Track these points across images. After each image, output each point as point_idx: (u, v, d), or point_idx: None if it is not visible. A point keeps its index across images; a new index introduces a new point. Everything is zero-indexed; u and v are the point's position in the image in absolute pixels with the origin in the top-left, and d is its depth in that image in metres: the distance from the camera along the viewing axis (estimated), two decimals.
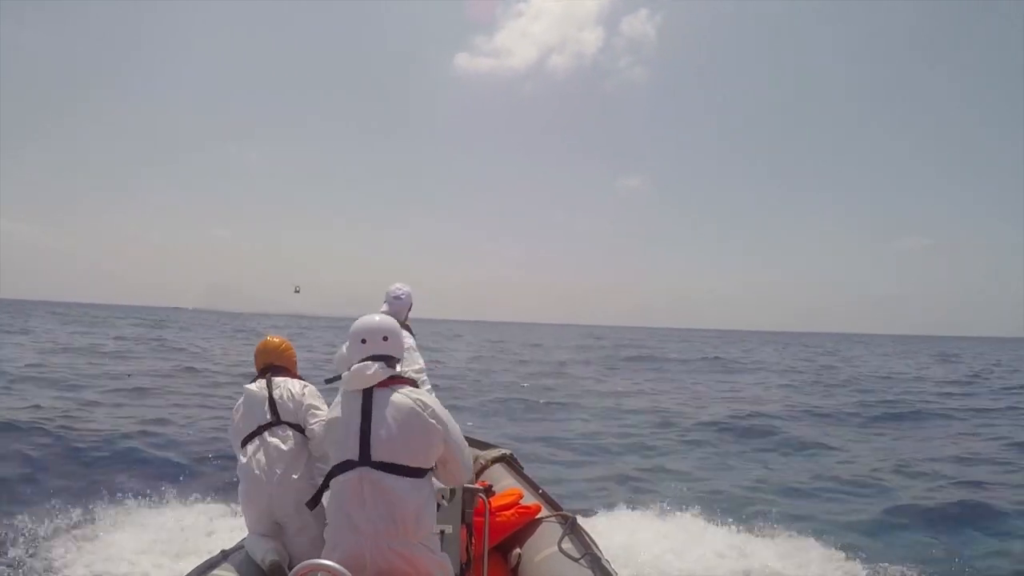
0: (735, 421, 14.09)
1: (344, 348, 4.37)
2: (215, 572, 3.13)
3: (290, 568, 2.87)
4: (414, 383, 2.78)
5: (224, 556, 3.34)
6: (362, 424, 2.58)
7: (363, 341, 2.78)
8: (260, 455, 3.27)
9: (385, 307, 4.36)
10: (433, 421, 2.63)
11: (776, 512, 7.15)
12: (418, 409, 2.62)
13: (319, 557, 2.41)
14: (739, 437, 12.54)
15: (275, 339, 3.70)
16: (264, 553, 3.11)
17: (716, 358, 38.58)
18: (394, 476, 2.52)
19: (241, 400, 3.48)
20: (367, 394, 2.64)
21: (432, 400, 2.74)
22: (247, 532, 3.40)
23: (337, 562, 2.29)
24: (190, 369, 20.24)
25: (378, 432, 2.56)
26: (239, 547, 3.41)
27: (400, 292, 4.37)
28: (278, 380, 3.49)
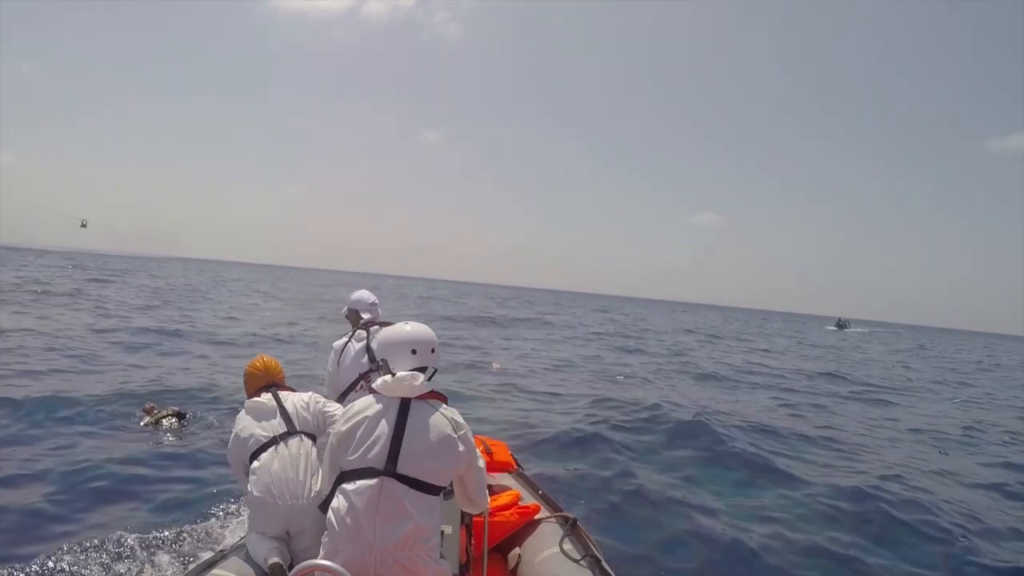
0: None
1: (330, 364, 4.36)
2: (214, 572, 3.03)
3: (290, 569, 2.83)
4: (445, 398, 2.73)
5: (223, 556, 3.25)
6: (394, 434, 2.52)
7: (413, 352, 2.70)
8: (277, 463, 3.21)
9: (367, 315, 4.50)
10: (463, 447, 2.60)
11: None
12: (452, 430, 2.58)
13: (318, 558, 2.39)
14: None
15: (270, 360, 3.71)
16: (267, 552, 3.05)
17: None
18: (414, 492, 2.49)
19: (241, 416, 3.43)
20: (404, 404, 2.58)
21: (463, 421, 2.69)
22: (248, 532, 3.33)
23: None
24: None
25: (410, 446, 2.51)
26: (239, 546, 3.31)
27: (375, 299, 4.64)
28: (284, 394, 3.52)
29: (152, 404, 8.41)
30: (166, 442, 7.43)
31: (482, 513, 3.41)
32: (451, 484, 2.75)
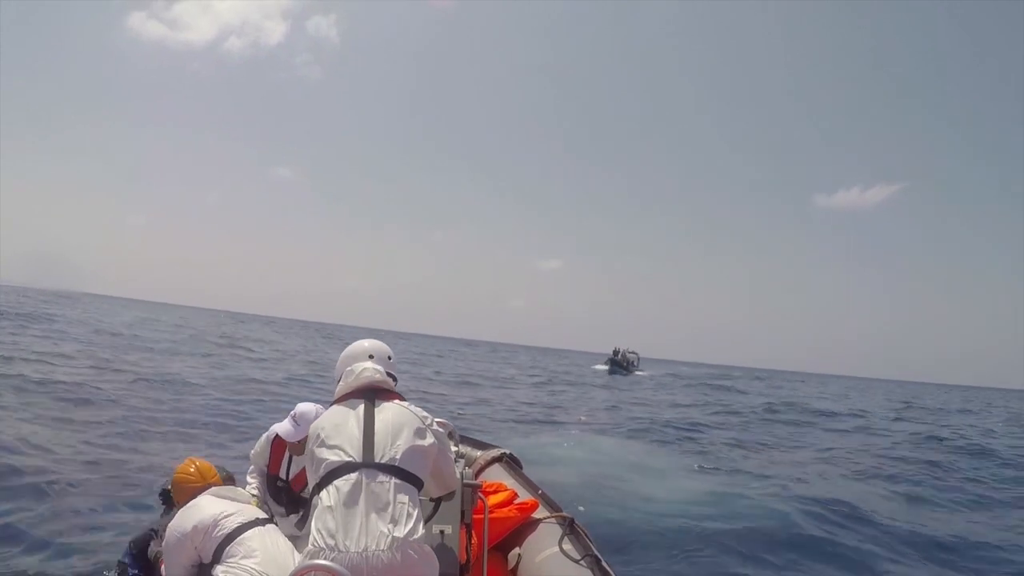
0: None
1: (259, 443, 4.04)
2: None
3: None
4: (404, 399, 2.79)
5: None
6: (365, 429, 2.56)
7: (370, 356, 2.88)
8: (258, 553, 3.02)
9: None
10: (432, 437, 2.68)
11: None
12: (419, 422, 2.66)
13: None
14: None
15: (202, 462, 3.54)
16: None
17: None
18: (397, 480, 2.48)
19: (191, 520, 3.09)
20: (370, 401, 2.64)
21: (427, 414, 2.77)
22: None
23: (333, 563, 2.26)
24: None
25: (382, 436, 2.55)
26: None
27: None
28: (226, 488, 3.39)
29: None
30: None
31: (480, 509, 3.47)
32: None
